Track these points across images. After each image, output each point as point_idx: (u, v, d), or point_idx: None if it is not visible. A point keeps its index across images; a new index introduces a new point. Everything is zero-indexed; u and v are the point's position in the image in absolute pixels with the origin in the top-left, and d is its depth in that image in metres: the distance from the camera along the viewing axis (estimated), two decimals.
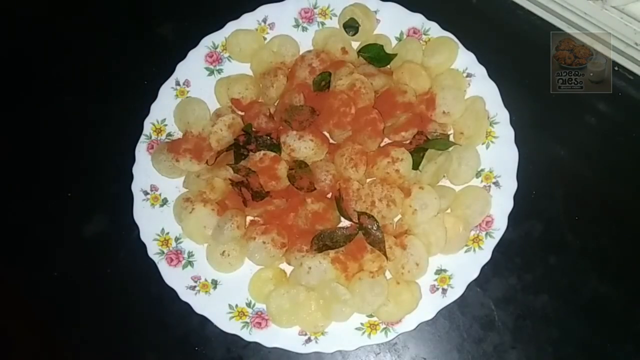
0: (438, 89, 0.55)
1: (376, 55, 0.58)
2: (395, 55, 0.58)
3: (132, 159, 0.57)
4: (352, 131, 0.55)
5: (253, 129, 0.56)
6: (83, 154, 0.62)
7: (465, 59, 0.57)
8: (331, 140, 0.56)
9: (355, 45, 0.59)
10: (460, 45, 0.57)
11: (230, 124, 0.56)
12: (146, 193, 0.56)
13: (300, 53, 0.59)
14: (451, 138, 0.55)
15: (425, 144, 0.54)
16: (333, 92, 0.55)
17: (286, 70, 0.58)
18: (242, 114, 0.58)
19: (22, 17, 0.68)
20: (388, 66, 0.58)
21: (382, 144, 0.56)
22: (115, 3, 0.67)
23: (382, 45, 0.58)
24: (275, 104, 0.58)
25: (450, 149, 0.54)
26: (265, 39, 0.60)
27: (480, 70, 0.56)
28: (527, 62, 0.59)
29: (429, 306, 0.51)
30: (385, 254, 0.51)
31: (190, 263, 0.54)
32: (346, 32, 0.59)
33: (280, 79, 0.57)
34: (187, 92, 0.59)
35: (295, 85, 0.57)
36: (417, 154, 0.53)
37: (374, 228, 0.51)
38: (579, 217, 0.55)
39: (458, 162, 0.53)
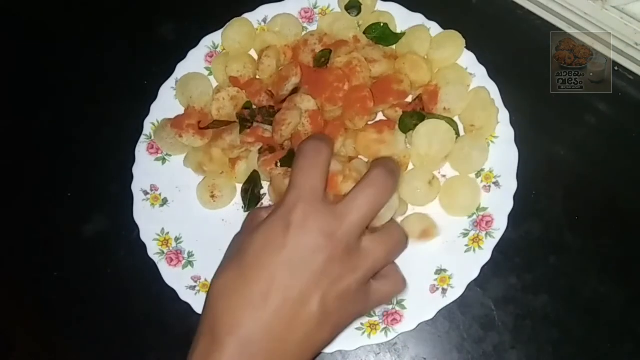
0: (442, 83, 0.55)
1: (381, 35, 0.57)
2: (403, 34, 0.58)
3: (132, 159, 0.57)
4: (342, 108, 0.55)
5: (254, 106, 0.57)
6: (83, 154, 0.62)
7: (465, 59, 0.57)
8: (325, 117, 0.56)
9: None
10: None
11: (234, 96, 0.56)
12: (146, 193, 0.56)
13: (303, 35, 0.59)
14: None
15: (429, 114, 0.54)
16: (330, 68, 0.56)
17: (288, 50, 0.58)
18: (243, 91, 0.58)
19: (22, 17, 0.68)
20: (394, 47, 0.58)
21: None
22: (115, 3, 0.68)
23: (386, 24, 0.58)
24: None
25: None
26: None
27: (480, 70, 0.56)
28: (527, 62, 0.59)
29: (429, 306, 0.51)
30: None
31: (190, 263, 0.54)
32: (349, 13, 0.59)
33: (270, 60, 0.57)
34: None
35: (293, 60, 0.58)
36: (411, 117, 0.53)
37: None
38: (579, 217, 0.55)
39: (470, 148, 0.53)
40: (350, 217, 0.39)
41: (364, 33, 0.58)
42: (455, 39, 0.57)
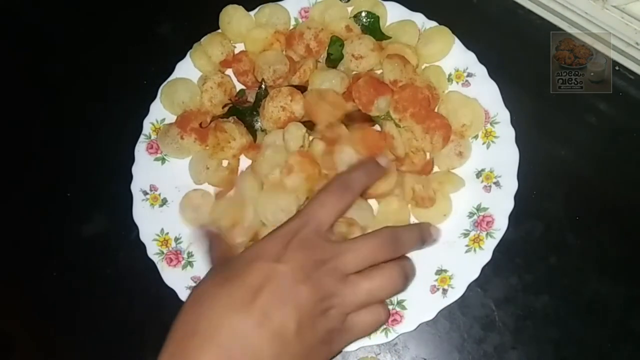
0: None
1: (371, 26, 0.58)
2: (390, 37, 0.58)
3: (132, 159, 0.56)
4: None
5: (246, 91, 0.58)
6: (83, 154, 0.62)
7: (465, 59, 0.57)
8: None
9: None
10: (460, 44, 0.57)
11: (221, 82, 0.57)
12: (146, 193, 0.56)
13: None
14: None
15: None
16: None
17: (281, 37, 0.59)
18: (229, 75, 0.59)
19: (21, 17, 0.68)
20: None
21: None
22: (115, 3, 0.67)
23: (378, 17, 0.58)
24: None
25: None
26: None
27: (480, 70, 0.56)
28: (527, 61, 0.59)
29: (429, 306, 0.51)
30: None
31: (190, 263, 0.54)
32: (340, 0, 0.59)
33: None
34: None
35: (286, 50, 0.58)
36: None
37: None
38: (580, 217, 0.55)
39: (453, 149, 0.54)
40: (345, 256, 0.40)
41: (354, 17, 0.58)
42: (445, 34, 0.57)
